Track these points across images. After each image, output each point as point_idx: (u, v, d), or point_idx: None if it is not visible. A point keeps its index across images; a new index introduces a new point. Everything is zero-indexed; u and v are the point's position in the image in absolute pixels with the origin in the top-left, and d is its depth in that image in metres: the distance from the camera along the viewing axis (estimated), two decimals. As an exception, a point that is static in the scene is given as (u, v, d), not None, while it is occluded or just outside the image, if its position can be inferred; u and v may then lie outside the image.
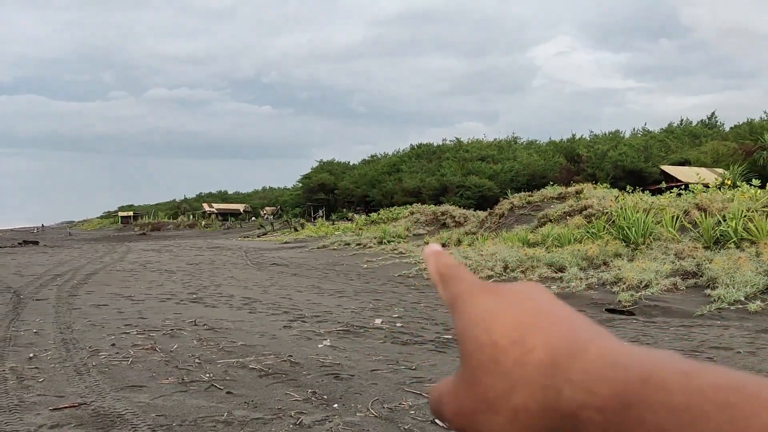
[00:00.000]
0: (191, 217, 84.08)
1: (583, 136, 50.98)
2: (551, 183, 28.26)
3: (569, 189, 23.08)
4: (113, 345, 6.63)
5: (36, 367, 5.62)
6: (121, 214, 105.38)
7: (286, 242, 32.88)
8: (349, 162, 71.34)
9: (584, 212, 17.42)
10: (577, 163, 43.03)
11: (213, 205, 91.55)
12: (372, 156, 68.07)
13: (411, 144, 61.71)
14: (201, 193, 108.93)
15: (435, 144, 58.82)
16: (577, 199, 20.09)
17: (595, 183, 26.14)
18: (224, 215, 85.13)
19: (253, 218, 79.69)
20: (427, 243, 22.62)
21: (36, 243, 32.02)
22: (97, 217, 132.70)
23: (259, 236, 44.58)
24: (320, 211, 61.45)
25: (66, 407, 4.47)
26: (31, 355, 6.12)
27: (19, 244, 32.09)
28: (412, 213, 32.54)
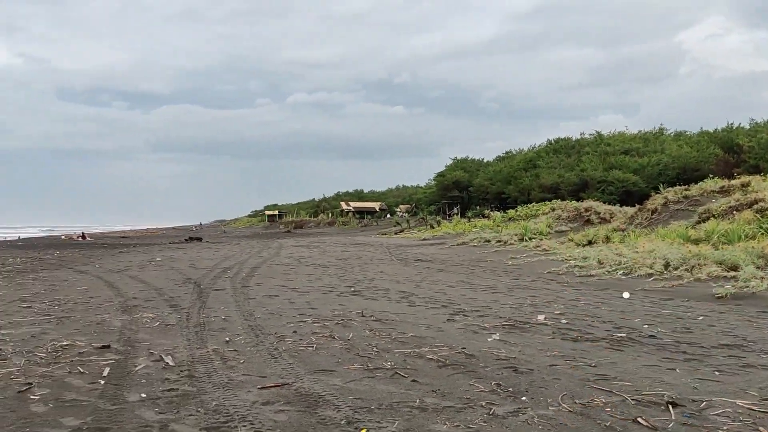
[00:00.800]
0: (330, 215, 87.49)
1: (742, 125, 46.63)
2: (710, 176, 26.21)
3: (733, 182, 21.27)
4: (295, 332, 7.13)
5: (234, 350, 6.18)
6: (267, 212, 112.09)
7: (424, 239, 33.27)
8: (483, 159, 70.56)
9: (755, 206, 15.99)
10: (736, 154, 39.40)
11: (350, 203, 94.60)
12: (507, 152, 66.78)
13: (548, 139, 59.69)
14: (339, 192, 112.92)
15: (573, 138, 56.57)
16: (744, 192, 18.47)
17: (762, 175, 23.87)
18: (361, 213, 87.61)
19: (389, 216, 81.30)
20: (570, 240, 21.92)
21: (199, 239, 34.97)
22: (246, 216, 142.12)
23: (396, 233, 45.47)
24: (455, 209, 61.44)
25: (271, 386, 4.88)
26: (227, 338, 6.74)
27: (186, 240, 35.16)
28: (552, 209, 31.64)
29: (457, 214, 57.80)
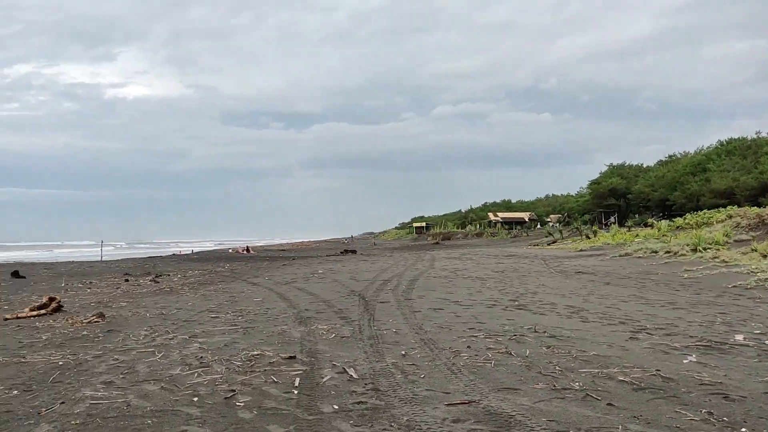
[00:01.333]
0: (478, 226, 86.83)
1: None
2: None
3: None
4: (469, 347, 7.03)
5: (413, 364, 6.21)
6: (415, 224, 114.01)
7: (581, 250, 31.79)
8: (641, 164, 66.36)
9: None
10: None
11: (498, 214, 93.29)
12: (669, 156, 62.11)
13: (718, 140, 54.68)
14: (486, 203, 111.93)
15: (749, 138, 51.31)
16: None
17: None
18: (509, 224, 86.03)
19: (539, 226, 78.97)
20: (754, 250, 19.74)
21: (354, 252, 36.26)
22: (394, 228, 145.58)
23: (548, 244, 43.94)
24: (611, 218, 58.24)
25: (458, 403, 4.81)
26: (403, 352, 6.80)
27: (341, 253, 36.59)
28: (729, 216, 28.82)
29: (614, 223, 54.70)
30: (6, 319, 10.43)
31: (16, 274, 23.55)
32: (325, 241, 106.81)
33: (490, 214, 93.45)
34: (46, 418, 4.65)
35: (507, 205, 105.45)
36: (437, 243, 64.87)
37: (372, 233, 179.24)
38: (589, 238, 41.41)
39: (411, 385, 5.39)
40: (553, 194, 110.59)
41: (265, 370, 6.04)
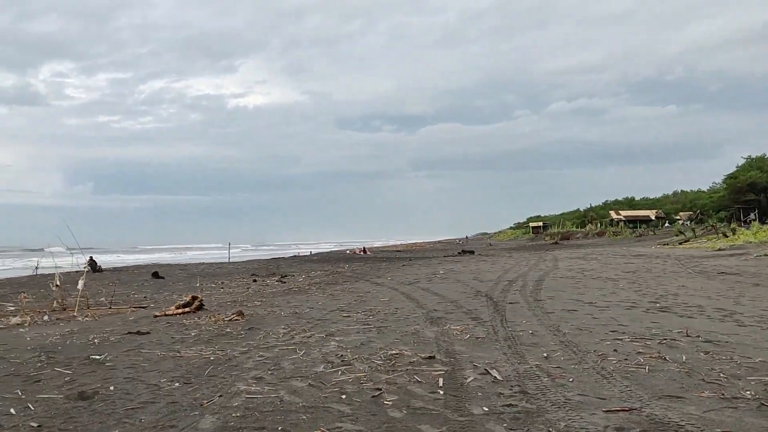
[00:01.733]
0: (599, 225, 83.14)
1: None
2: None
3: None
4: (615, 351, 6.65)
5: (558, 367, 5.95)
6: (531, 224, 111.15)
7: (719, 249, 29.47)
8: (784, 155, 60.59)
9: None
10: None
11: (620, 212, 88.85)
12: (817, 145, 56.25)
13: None
14: (607, 200, 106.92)
15: None
16: None
17: None
18: (633, 222, 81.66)
19: (667, 224, 74.37)
20: None
21: (472, 252, 35.90)
22: (509, 228, 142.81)
23: (680, 243, 41.20)
24: (751, 214, 53.60)
25: (618, 410, 4.53)
26: (544, 354, 6.55)
27: (459, 253, 36.37)
28: None
29: (755, 219, 50.31)
30: (155, 317, 11.23)
31: (156, 275, 25.47)
32: (440, 242, 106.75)
33: (612, 213, 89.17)
34: (208, 409, 4.89)
35: (630, 203, 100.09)
36: (556, 243, 62.80)
37: (485, 233, 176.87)
38: (727, 237, 38.37)
39: (560, 389, 5.16)
40: (681, 190, 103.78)
41: (407, 370, 6.03)
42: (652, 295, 12.06)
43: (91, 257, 30.57)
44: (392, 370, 6.02)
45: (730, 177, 60.06)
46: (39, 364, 6.95)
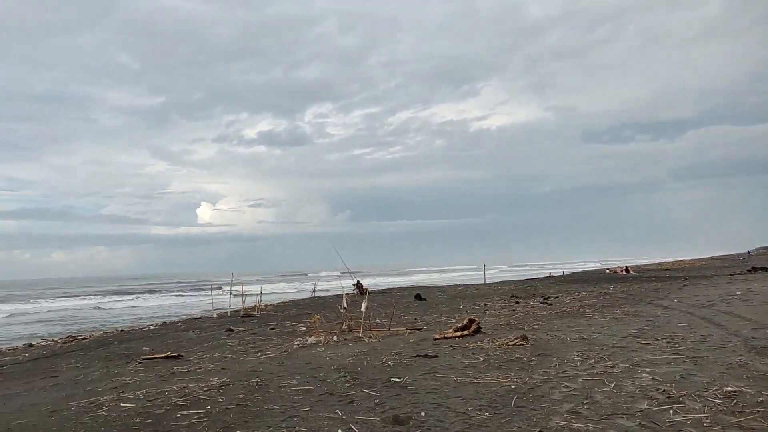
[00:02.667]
0: None
1: None
2: None
3: None
4: None
5: None
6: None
7: None
8: None
9: None
10: None
11: None
12: None
13: None
14: None
15: None
16: None
17: None
18: None
19: None
20: None
21: (765, 269, 30.96)
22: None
23: None
24: None
25: None
26: None
27: (748, 271, 31.68)
28: None
29: None
30: (435, 339, 11.30)
31: (418, 297, 26.37)
32: (713, 258, 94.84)
33: None
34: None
35: None
36: None
37: (766, 247, 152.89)
38: None
39: None
40: None
41: (759, 412, 4.93)
42: None
43: (358, 280, 33.02)
44: (739, 412, 4.97)
45: None
46: (347, 384, 7.24)
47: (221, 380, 8.14)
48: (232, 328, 16.96)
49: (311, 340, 12.37)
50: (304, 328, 15.54)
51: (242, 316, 21.62)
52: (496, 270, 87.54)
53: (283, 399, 6.71)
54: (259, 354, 11.05)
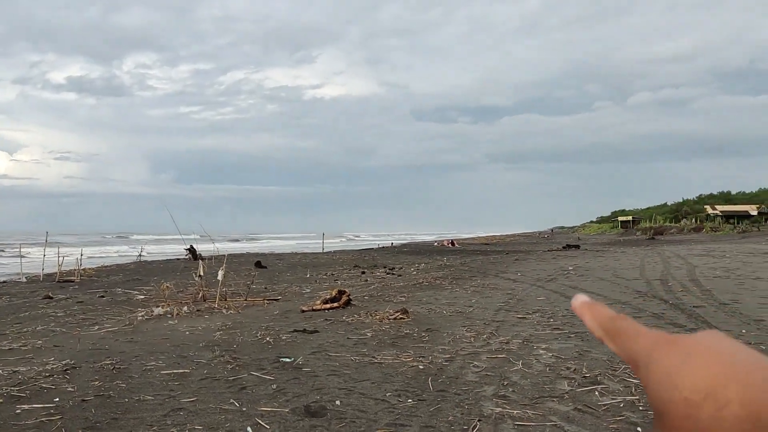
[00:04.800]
0: (695, 220, 78.71)
1: None
2: None
3: None
4: None
5: None
6: (620, 219, 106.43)
7: None
8: None
9: None
10: None
11: (716, 207, 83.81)
12: None
13: None
14: (701, 194, 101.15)
15: None
16: None
17: None
18: (730, 217, 76.84)
19: (771, 220, 69.53)
20: None
21: (577, 247, 34.22)
22: (592, 222, 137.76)
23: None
24: None
25: None
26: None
27: (564, 248, 34.74)
28: None
29: None
30: (303, 311, 10.58)
31: (259, 265, 25.22)
32: (520, 235, 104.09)
33: (708, 207, 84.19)
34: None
35: (726, 198, 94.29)
36: (652, 238, 59.55)
37: (563, 227, 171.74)
38: None
39: None
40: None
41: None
42: None
43: (191, 245, 30.84)
44: (669, 395, 4.94)
45: None
46: (229, 366, 6.29)
47: (63, 362, 6.70)
48: (50, 295, 14.69)
49: (158, 311, 10.97)
50: (142, 297, 13.90)
51: (59, 281, 19.02)
52: (336, 240, 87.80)
53: (154, 386, 5.59)
54: (97, 327, 9.49)
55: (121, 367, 6.40)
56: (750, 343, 5.77)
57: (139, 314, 10.66)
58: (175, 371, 6.13)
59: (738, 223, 70.82)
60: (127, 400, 5.16)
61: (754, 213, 76.93)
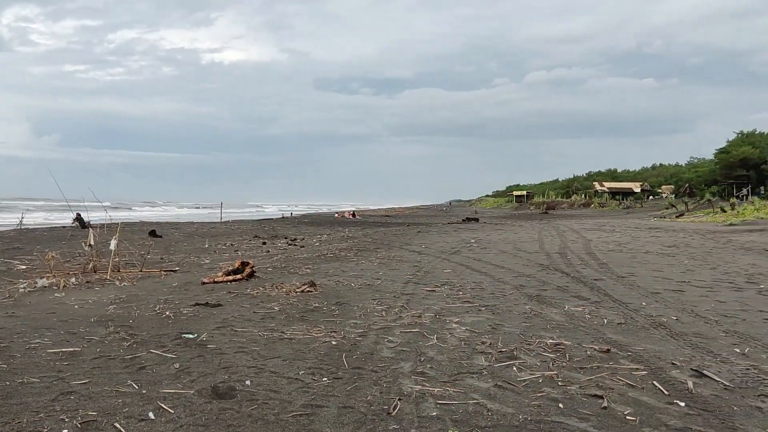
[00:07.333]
0: (584, 196, 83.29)
1: None
2: None
3: None
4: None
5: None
6: (515, 193, 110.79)
7: (731, 224, 29.20)
8: (775, 132, 60.73)
9: None
10: None
11: (603, 183, 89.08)
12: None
13: None
14: (590, 171, 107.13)
15: None
16: None
17: None
18: (616, 194, 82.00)
19: (651, 198, 74.79)
20: None
21: (476, 220, 35.10)
22: (488, 196, 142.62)
23: (677, 216, 41.10)
24: (744, 189, 53.74)
25: None
26: (737, 349, 5.62)
27: (464, 221, 35.52)
28: None
29: (747, 195, 50.48)
30: (204, 283, 10.06)
31: (153, 234, 23.94)
32: (419, 207, 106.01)
33: (596, 184, 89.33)
34: (404, 420, 3.82)
35: (613, 175, 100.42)
36: (545, 212, 62.43)
37: (460, 201, 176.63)
38: (725, 212, 38.33)
39: None
40: (660, 164, 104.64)
41: (598, 367, 5.03)
42: (734, 273, 11.26)
43: (78, 213, 28.80)
44: (581, 368, 5.01)
45: (722, 152, 59.89)
46: (126, 344, 5.77)
47: (-73, 341, 5.90)
48: None
49: (42, 282, 10.04)
50: (24, 267, 12.73)
51: None
52: (234, 210, 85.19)
53: (40, 367, 5.01)
54: (-31, 301, 8.54)
55: (1, 345, 5.72)
56: (651, 316, 5.96)
57: (21, 286, 9.70)
58: (63, 350, 5.54)
59: (623, 200, 75.65)
60: (8, 383, 4.57)
61: (638, 190, 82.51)
